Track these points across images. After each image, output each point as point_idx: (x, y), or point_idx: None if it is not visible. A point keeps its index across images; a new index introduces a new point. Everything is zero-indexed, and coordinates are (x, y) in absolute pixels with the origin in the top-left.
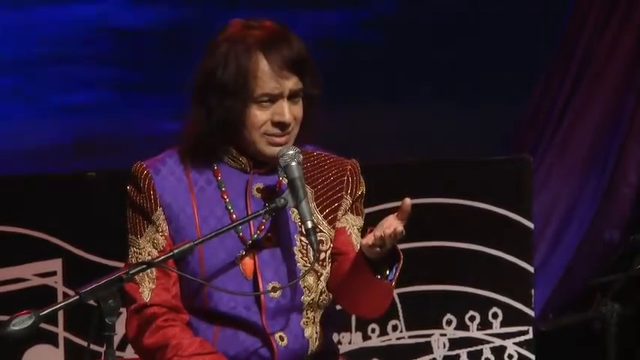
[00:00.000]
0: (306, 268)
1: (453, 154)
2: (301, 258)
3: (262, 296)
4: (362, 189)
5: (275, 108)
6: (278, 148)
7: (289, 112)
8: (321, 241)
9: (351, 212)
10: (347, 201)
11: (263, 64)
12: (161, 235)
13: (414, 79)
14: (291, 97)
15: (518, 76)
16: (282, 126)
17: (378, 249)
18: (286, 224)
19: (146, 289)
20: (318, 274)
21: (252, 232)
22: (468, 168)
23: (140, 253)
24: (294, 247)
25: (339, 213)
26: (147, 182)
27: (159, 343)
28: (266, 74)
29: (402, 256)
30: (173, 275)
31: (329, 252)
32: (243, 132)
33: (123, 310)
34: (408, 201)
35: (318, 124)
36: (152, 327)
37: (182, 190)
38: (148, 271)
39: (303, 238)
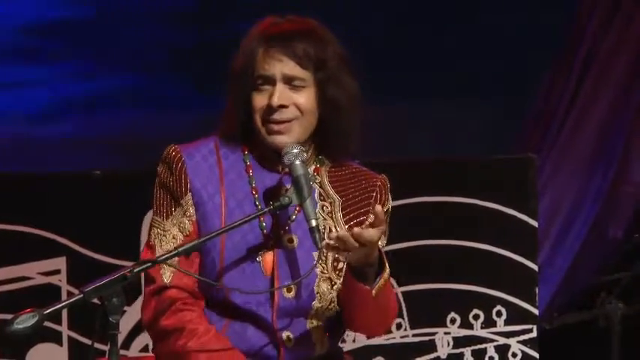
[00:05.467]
0: (323, 275)
1: (458, 153)
2: (320, 264)
3: (276, 294)
4: (388, 206)
5: (271, 92)
6: (278, 138)
7: (282, 95)
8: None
9: None
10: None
11: (262, 48)
12: (188, 220)
13: (416, 77)
14: (289, 82)
15: (522, 75)
16: (271, 109)
17: (345, 254)
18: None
19: (167, 270)
20: (332, 282)
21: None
22: (473, 167)
23: (164, 235)
24: (314, 253)
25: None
26: (179, 165)
27: (175, 326)
28: (260, 56)
29: (387, 268)
30: (195, 260)
31: (346, 263)
32: (253, 120)
33: (128, 308)
34: (378, 208)
35: (354, 134)
36: (171, 309)
37: (213, 179)
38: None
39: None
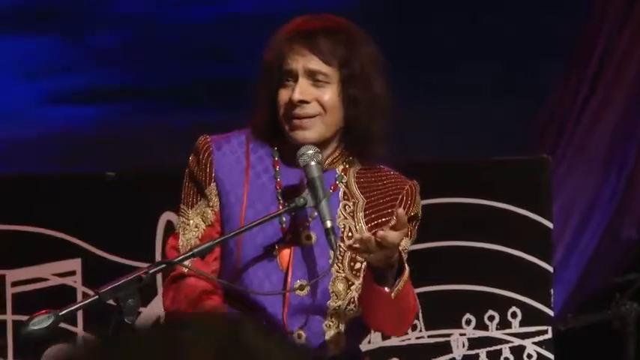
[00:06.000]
0: (338, 275)
1: (472, 154)
2: (336, 263)
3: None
4: (416, 211)
5: (294, 88)
6: (300, 133)
7: (303, 91)
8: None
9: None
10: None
11: (288, 44)
12: (211, 210)
13: (430, 77)
14: (312, 77)
15: (536, 75)
16: (293, 105)
17: (365, 255)
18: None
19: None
20: (349, 282)
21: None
22: (487, 168)
23: (188, 224)
24: (331, 251)
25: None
26: (206, 155)
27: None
28: (286, 52)
29: (406, 269)
30: (216, 250)
31: (365, 264)
32: (278, 116)
33: (143, 309)
34: (400, 211)
35: (383, 138)
36: (191, 297)
37: (238, 170)
38: (192, 241)
39: (342, 244)
